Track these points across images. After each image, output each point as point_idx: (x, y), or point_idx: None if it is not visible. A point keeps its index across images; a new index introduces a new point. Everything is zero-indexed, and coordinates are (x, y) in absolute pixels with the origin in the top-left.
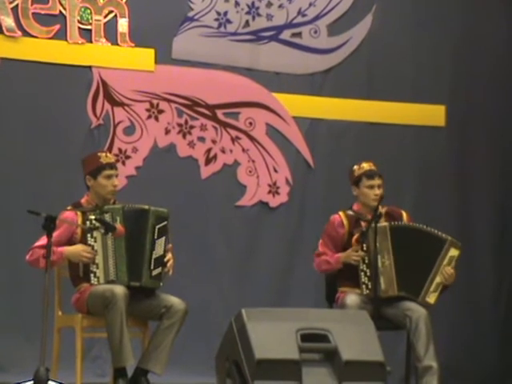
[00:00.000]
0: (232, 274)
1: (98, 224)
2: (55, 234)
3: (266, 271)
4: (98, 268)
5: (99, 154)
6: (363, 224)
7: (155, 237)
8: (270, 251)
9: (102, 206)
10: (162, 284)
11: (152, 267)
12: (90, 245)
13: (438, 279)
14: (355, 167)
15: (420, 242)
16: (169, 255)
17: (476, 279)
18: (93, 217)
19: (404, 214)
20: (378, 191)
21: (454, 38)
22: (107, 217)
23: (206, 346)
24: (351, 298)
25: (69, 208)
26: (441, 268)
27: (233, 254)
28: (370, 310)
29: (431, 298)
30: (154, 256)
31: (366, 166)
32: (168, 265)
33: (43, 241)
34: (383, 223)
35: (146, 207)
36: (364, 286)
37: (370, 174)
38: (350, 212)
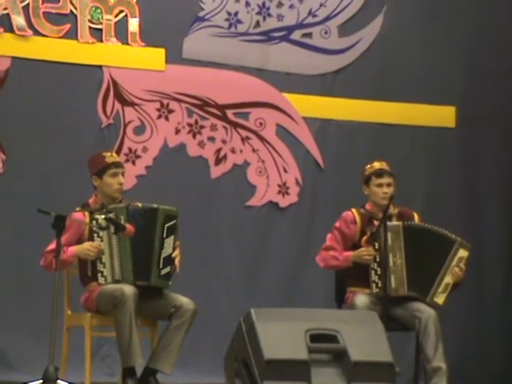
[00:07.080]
0: (241, 274)
1: (105, 224)
2: (64, 238)
3: (276, 271)
4: (104, 267)
5: (104, 153)
6: (376, 223)
7: (164, 236)
8: (279, 251)
9: (107, 205)
10: (170, 283)
11: (161, 266)
12: None
13: (446, 280)
14: (367, 166)
15: (430, 243)
16: (176, 252)
17: (485, 280)
18: (102, 216)
19: (415, 216)
20: (386, 189)
21: (465, 38)
22: (111, 216)
23: (215, 346)
24: (360, 298)
25: (78, 209)
26: (450, 268)
27: (242, 254)
28: (379, 310)
29: (440, 299)
30: (162, 255)
31: (377, 165)
32: (175, 262)
33: (54, 244)
34: (396, 222)
35: (155, 206)
36: (374, 285)
37: (379, 173)
38: (363, 210)
